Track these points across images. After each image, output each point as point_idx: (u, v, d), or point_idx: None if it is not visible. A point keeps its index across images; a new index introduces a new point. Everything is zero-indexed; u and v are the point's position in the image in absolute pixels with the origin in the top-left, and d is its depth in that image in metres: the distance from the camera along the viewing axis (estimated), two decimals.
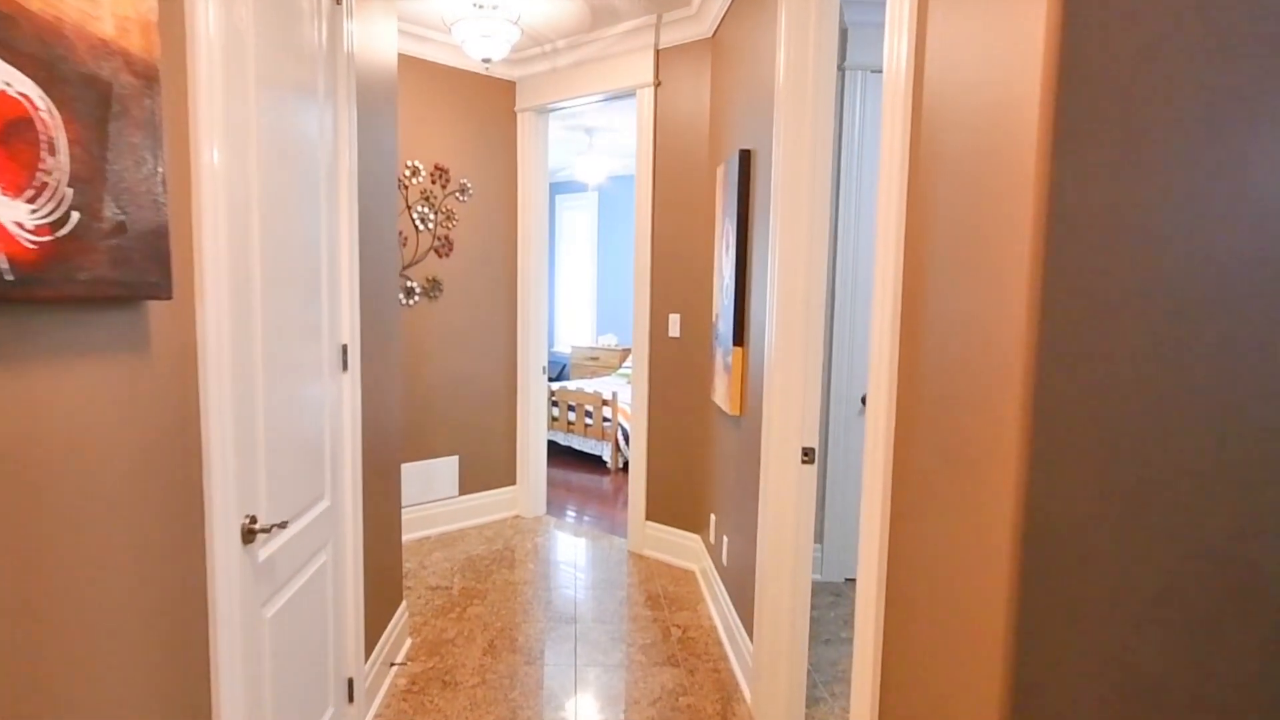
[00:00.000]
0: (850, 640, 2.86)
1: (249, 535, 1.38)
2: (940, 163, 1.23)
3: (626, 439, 5.63)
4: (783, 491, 2.25)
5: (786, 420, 2.23)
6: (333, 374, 1.91)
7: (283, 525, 1.46)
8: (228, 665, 1.32)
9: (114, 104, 0.92)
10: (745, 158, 2.63)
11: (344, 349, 1.98)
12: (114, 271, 0.94)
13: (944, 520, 1.19)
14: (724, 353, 2.89)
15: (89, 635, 0.96)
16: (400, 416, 2.89)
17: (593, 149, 6.53)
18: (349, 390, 2.01)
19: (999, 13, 1.03)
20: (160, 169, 1.03)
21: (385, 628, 2.48)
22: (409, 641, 2.74)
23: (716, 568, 3.14)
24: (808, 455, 2.22)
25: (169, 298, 1.06)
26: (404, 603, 2.70)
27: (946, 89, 1.21)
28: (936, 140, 1.24)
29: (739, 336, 2.70)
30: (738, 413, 2.71)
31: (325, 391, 1.84)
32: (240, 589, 1.36)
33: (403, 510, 3.85)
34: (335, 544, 1.93)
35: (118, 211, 0.94)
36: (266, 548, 1.49)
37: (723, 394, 2.91)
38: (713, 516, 3.25)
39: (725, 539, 2.96)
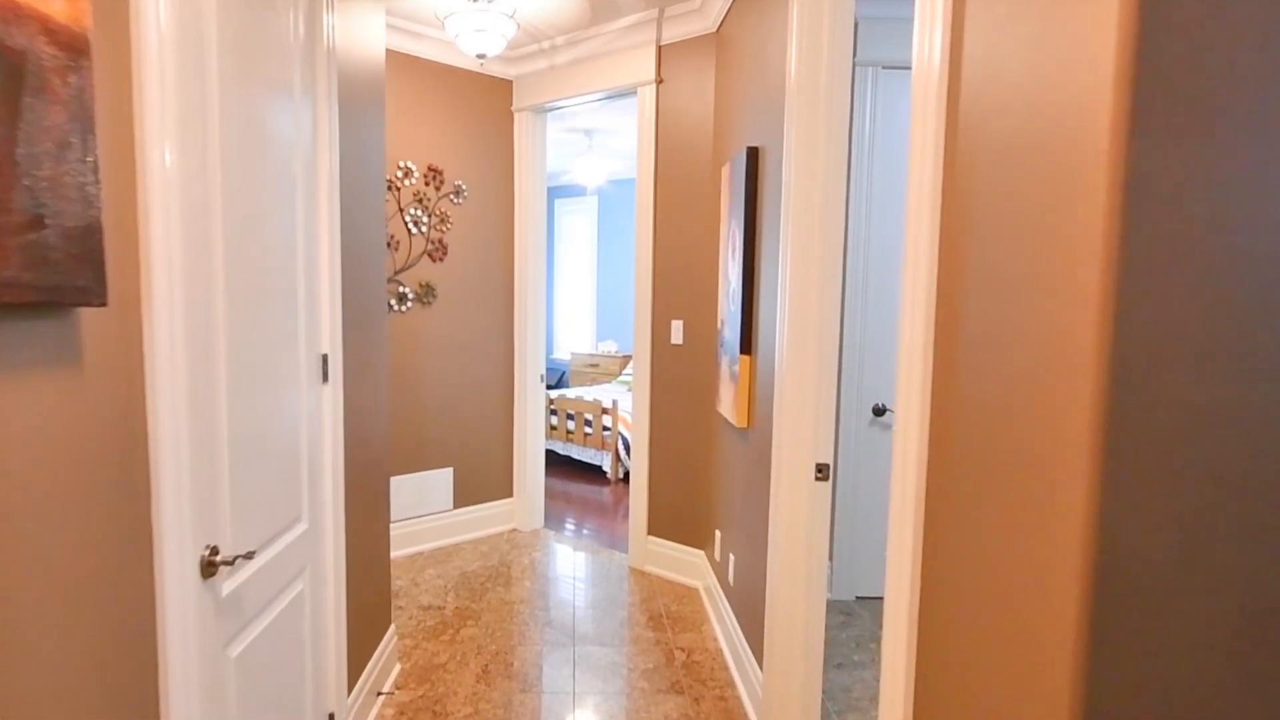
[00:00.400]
0: (864, 664, 2.71)
1: (209, 568, 1.24)
2: (984, 162, 1.09)
3: (627, 448, 5.48)
4: (795, 510, 2.11)
5: (798, 434, 2.09)
6: (311, 385, 1.77)
7: (249, 556, 1.32)
8: (182, 716, 1.18)
9: (28, 77, 0.79)
10: (752, 155, 2.50)
11: (324, 359, 1.84)
12: (28, 274, 0.80)
13: (992, 551, 1.05)
14: (730, 361, 2.75)
15: (11, 690, 0.82)
16: (389, 428, 2.75)
17: (592, 151, 6.41)
18: (329, 402, 1.87)
19: (1060, 2, 0.90)
20: (91, 157, 0.89)
21: (372, 654, 2.33)
22: (398, 667, 2.59)
23: (722, 586, 2.99)
24: (821, 472, 2.08)
25: (103, 304, 0.92)
26: (392, 626, 2.55)
27: (991, 85, 1.07)
28: (979, 139, 1.11)
29: (746, 344, 2.56)
30: (745, 425, 2.57)
31: (302, 404, 1.70)
32: (198, 629, 1.21)
33: (395, 525, 3.70)
34: (314, 569, 1.79)
35: (33, 203, 0.80)
36: (231, 580, 1.34)
37: (729, 405, 2.77)
38: (718, 533, 3.10)
39: (732, 557, 2.81)
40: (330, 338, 1.87)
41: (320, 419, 1.83)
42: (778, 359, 2.16)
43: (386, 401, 2.47)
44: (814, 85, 2.03)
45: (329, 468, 1.88)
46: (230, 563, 1.27)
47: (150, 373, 1.09)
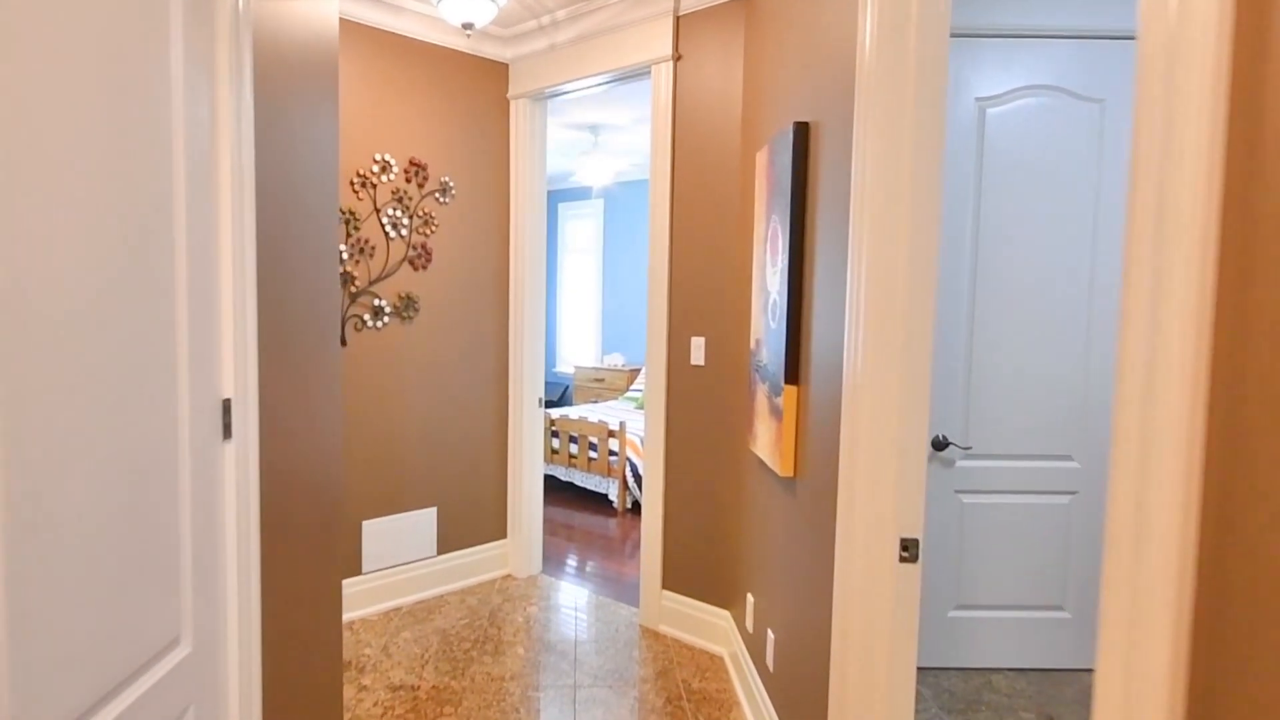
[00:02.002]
0: None
1: None
2: None
3: (637, 476, 4.95)
4: (873, 601, 1.57)
5: (876, 499, 1.56)
6: (204, 444, 1.25)
7: None
8: None
9: None
10: (801, 132, 1.97)
11: (225, 405, 1.32)
12: None
13: None
14: (770, 391, 2.22)
15: None
16: (341, 472, 2.22)
17: (598, 148, 5.91)
18: (233, 465, 1.35)
19: None
20: None
21: None
22: None
23: (757, 665, 2.45)
24: (908, 550, 1.55)
25: None
26: None
27: None
28: None
29: (793, 372, 2.03)
30: (790, 474, 2.04)
31: (183, 475, 1.18)
32: None
33: (366, 577, 3.17)
34: (204, 706, 1.26)
35: None
36: None
37: (767, 445, 2.24)
38: (750, 597, 2.57)
39: (771, 635, 2.27)
40: (237, 377, 1.35)
41: (218, 490, 1.31)
42: (845, 396, 1.63)
43: (339, 444, 1.95)
44: (900, 53, 1.50)
45: (232, 554, 1.35)
46: None
47: None
